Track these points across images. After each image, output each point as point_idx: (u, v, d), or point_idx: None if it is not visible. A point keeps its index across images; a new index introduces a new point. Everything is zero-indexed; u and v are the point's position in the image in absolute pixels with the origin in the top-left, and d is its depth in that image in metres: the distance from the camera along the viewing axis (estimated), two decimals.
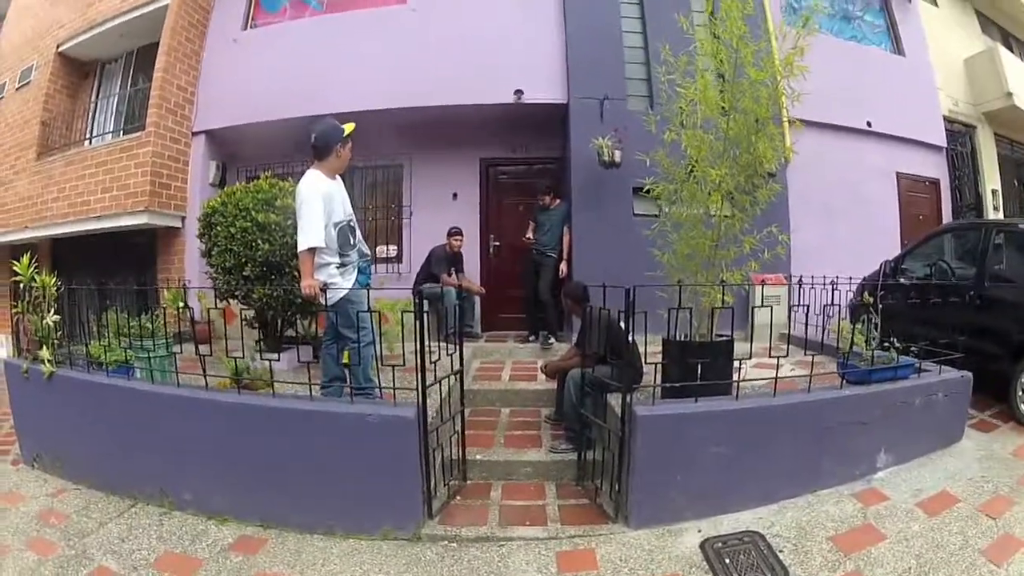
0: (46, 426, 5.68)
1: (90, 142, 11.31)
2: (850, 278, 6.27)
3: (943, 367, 5.54)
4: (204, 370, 4.83)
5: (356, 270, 5.11)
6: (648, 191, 5.79)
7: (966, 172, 12.83)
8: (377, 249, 10.31)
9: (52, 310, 5.69)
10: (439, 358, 4.54)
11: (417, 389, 4.35)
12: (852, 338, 5.46)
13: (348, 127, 5.08)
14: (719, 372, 4.98)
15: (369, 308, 4.81)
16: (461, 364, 5.05)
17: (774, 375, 4.74)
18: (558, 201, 9.01)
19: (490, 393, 6.88)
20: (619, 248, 8.27)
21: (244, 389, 4.94)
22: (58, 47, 11.75)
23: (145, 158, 9.80)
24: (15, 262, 5.73)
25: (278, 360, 5.60)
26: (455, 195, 10.37)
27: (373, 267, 9.01)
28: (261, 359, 5.25)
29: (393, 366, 4.45)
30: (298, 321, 7.44)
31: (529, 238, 9.00)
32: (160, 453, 4.89)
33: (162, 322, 5.57)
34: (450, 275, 9.02)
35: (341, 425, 4.43)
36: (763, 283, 7.91)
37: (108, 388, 5.17)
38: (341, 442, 4.44)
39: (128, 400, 5.06)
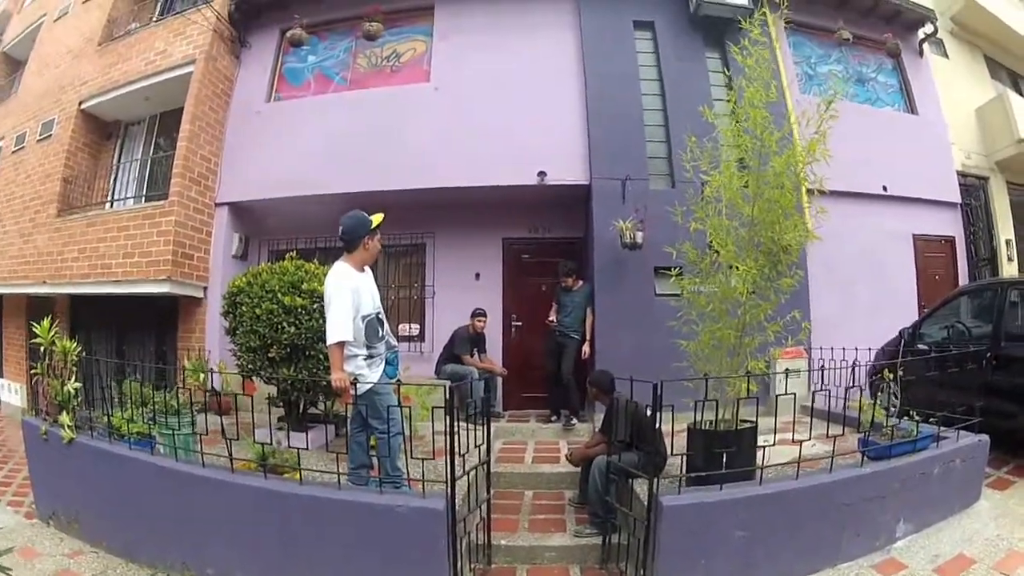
0: (64, 487, 5.80)
1: (111, 205, 11.53)
2: (869, 349, 6.36)
3: (961, 433, 5.64)
4: (230, 453, 4.96)
5: (384, 362, 5.24)
6: (675, 277, 5.96)
7: (980, 226, 12.74)
8: (399, 327, 10.43)
9: (73, 377, 5.80)
10: (468, 450, 4.71)
11: (446, 481, 4.48)
12: (872, 415, 5.51)
13: (376, 218, 5.20)
14: (744, 459, 5.10)
15: (399, 401, 4.95)
16: (488, 454, 5.21)
17: (796, 457, 4.85)
18: (580, 283, 9.14)
19: (513, 476, 6.96)
20: (641, 328, 8.49)
21: (270, 473, 5.02)
22: (81, 104, 12.02)
23: (168, 227, 9.88)
24: (35, 324, 5.89)
25: (306, 448, 5.71)
26: (477, 275, 10.56)
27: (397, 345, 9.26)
28: (288, 445, 5.35)
29: (423, 459, 4.58)
30: (321, 401, 7.51)
31: (552, 320, 9.11)
32: (183, 527, 5.00)
33: (186, 398, 5.70)
34: (472, 356, 9.25)
35: (370, 515, 4.53)
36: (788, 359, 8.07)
37: (131, 461, 5.28)
38: (370, 531, 4.53)
39: (152, 475, 5.17)
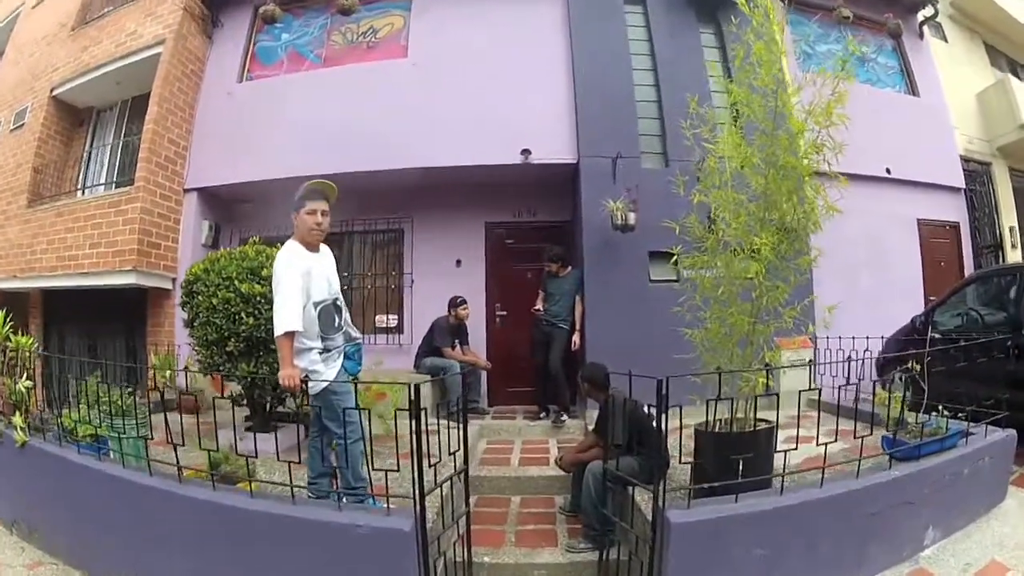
0: (21, 494, 5.26)
1: (83, 192, 10.85)
2: (881, 338, 6.20)
3: (988, 428, 5.11)
4: (177, 460, 4.26)
5: (342, 355, 4.48)
6: (675, 261, 5.23)
7: (984, 212, 12.35)
8: (376, 319, 9.83)
9: (25, 375, 5.31)
10: (443, 456, 3.96)
11: (414, 497, 3.72)
12: (902, 411, 4.89)
13: (317, 187, 4.50)
14: (760, 464, 4.36)
15: (357, 403, 4.24)
16: (466, 463, 4.44)
17: (813, 460, 4.30)
18: (569, 268, 8.37)
19: (499, 480, 6.28)
20: (636, 317, 7.83)
21: (223, 481, 4.37)
22: (52, 90, 11.28)
23: (133, 214, 9.22)
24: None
25: (274, 453, 4.99)
26: (459, 261, 9.79)
27: (370, 340, 8.46)
28: (257, 450, 4.50)
29: (386, 471, 3.80)
30: (289, 399, 6.75)
31: (538, 309, 8.33)
32: (134, 539, 4.42)
33: (136, 399, 5.11)
34: (454, 348, 8.58)
35: (327, 535, 3.82)
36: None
37: (78, 467, 4.70)
38: (327, 553, 3.81)
39: (99, 482, 4.58)
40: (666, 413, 3.87)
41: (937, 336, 6.97)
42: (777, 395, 4.26)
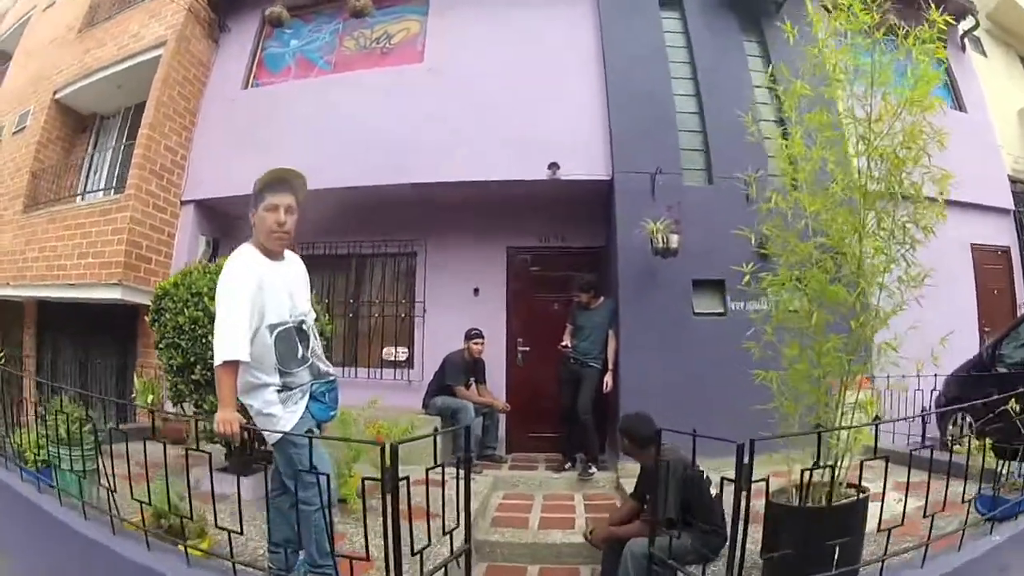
0: None
1: (81, 199, 10.03)
2: (935, 374, 5.35)
3: None
4: (110, 507, 3.49)
5: (307, 396, 3.33)
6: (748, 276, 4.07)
7: None
8: (384, 351, 8.69)
9: None
10: (428, 543, 2.90)
11: None
12: (1004, 468, 4.00)
13: (280, 176, 3.35)
14: (854, 543, 3.28)
15: (313, 462, 2.98)
16: (468, 541, 3.36)
17: (889, 521, 3.22)
18: (601, 299, 7.24)
19: (514, 547, 5.12)
20: (677, 355, 6.85)
21: (169, 534, 3.53)
22: (55, 93, 10.65)
23: (123, 224, 8.41)
24: None
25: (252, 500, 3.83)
26: (476, 290, 8.60)
27: (375, 375, 7.79)
28: (240, 493, 3.37)
29: (351, 559, 2.74)
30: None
31: (566, 345, 7.20)
32: None
33: (86, 426, 4.12)
34: (468, 387, 7.52)
35: None
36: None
37: (15, 495, 4.11)
38: None
39: (29, 516, 3.97)
40: (748, 488, 2.79)
41: (1004, 371, 6.52)
42: (887, 459, 3.20)
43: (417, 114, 8.09)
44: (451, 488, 3.23)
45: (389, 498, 2.59)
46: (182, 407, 5.38)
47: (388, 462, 2.59)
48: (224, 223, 9.34)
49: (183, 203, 9.13)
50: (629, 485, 4.87)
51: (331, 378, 3.54)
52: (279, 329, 3.20)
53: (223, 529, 3.13)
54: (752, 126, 4.16)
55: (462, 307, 8.37)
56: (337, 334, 8.26)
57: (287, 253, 3.49)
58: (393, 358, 8.63)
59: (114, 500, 3.46)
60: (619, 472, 6.51)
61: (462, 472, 3.40)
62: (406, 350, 8.67)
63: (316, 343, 3.51)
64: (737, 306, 6.89)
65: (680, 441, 3.43)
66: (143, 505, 3.39)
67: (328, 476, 2.92)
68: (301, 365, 3.31)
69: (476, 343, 7.52)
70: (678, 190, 7.25)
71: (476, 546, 3.99)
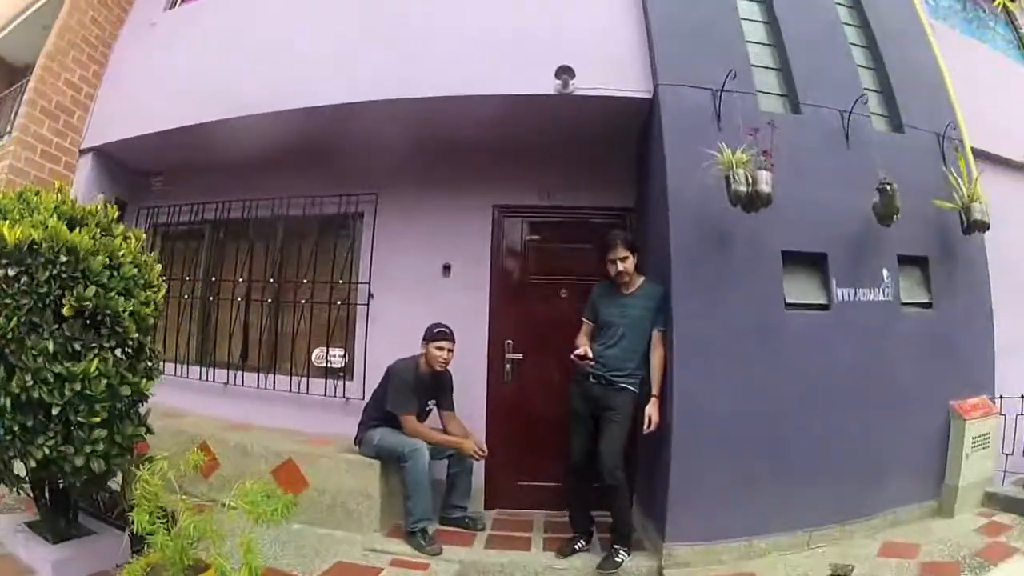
0: None
1: None
2: None
3: None
4: None
5: None
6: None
7: None
8: (313, 354, 5.74)
9: None
10: None
11: None
12: None
13: None
14: None
15: None
16: None
17: None
18: (641, 280, 4.36)
19: None
20: (762, 369, 4.16)
21: None
22: None
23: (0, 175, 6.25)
24: None
25: None
26: (447, 268, 5.56)
27: (299, 387, 5.62)
28: None
29: None
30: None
31: (582, 354, 4.18)
32: None
33: None
34: (424, 416, 4.75)
35: None
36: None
37: None
38: None
39: None
40: None
41: None
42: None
43: (375, 10, 5.28)
44: None
45: None
46: None
47: None
48: (132, 183, 6.75)
49: (82, 152, 6.58)
50: None
51: None
52: None
53: None
54: None
55: (426, 292, 5.45)
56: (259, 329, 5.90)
57: None
58: (325, 363, 5.71)
59: None
60: (664, 559, 3.92)
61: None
62: (342, 352, 5.69)
63: None
64: (845, 295, 4.32)
65: None
66: None
67: None
68: None
69: (440, 347, 4.63)
70: (754, 117, 4.32)
71: None
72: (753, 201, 3.85)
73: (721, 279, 4.17)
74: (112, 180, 6.73)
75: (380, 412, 4.63)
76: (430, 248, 5.54)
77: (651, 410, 4.07)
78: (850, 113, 4.52)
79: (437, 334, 4.64)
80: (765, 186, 3.83)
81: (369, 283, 5.58)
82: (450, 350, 4.66)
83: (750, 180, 3.83)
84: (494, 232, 5.62)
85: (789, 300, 4.24)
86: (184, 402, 5.71)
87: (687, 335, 4.08)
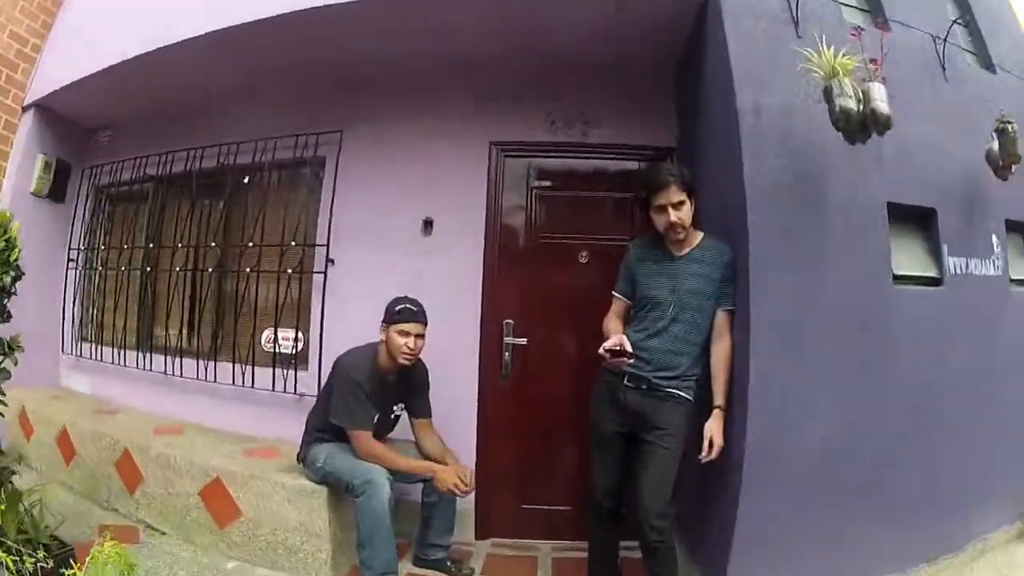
0: None
1: None
2: None
3: None
4: None
5: None
6: None
7: None
8: (261, 337, 4.40)
9: None
10: None
11: None
12: None
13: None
14: None
15: None
16: None
17: None
18: (700, 236, 2.94)
19: None
20: (865, 366, 2.86)
21: None
22: None
23: None
24: None
25: None
26: (428, 223, 4.18)
27: (240, 380, 4.43)
28: None
29: None
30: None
31: (616, 347, 2.70)
32: None
33: None
34: (387, 427, 3.52)
35: None
36: None
37: None
38: None
39: None
40: None
41: None
42: None
43: None
44: None
45: None
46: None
47: None
48: (77, 141, 5.70)
49: (24, 108, 5.53)
50: None
51: None
52: None
53: None
54: None
55: (401, 256, 4.12)
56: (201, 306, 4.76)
57: None
58: (273, 348, 4.37)
59: None
60: None
61: None
62: (295, 335, 4.32)
63: None
64: (958, 266, 3.16)
65: None
66: None
67: None
68: None
69: (404, 332, 3.25)
70: (836, 25, 3.05)
71: None
72: (866, 125, 2.51)
73: (812, 239, 2.79)
74: (56, 139, 5.69)
75: (322, 423, 3.35)
76: (406, 199, 4.18)
77: (713, 428, 2.70)
78: (944, 40, 3.37)
79: (400, 313, 3.27)
80: (882, 103, 2.48)
81: (328, 245, 4.23)
82: (420, 335, 3.29)
83: (860, 98, 2.52)
84: (491, 177, 4.19)
85: (897, 272, 2.93)
86: (121, 394, 4.84)
87: (768, 319, 2.68)
